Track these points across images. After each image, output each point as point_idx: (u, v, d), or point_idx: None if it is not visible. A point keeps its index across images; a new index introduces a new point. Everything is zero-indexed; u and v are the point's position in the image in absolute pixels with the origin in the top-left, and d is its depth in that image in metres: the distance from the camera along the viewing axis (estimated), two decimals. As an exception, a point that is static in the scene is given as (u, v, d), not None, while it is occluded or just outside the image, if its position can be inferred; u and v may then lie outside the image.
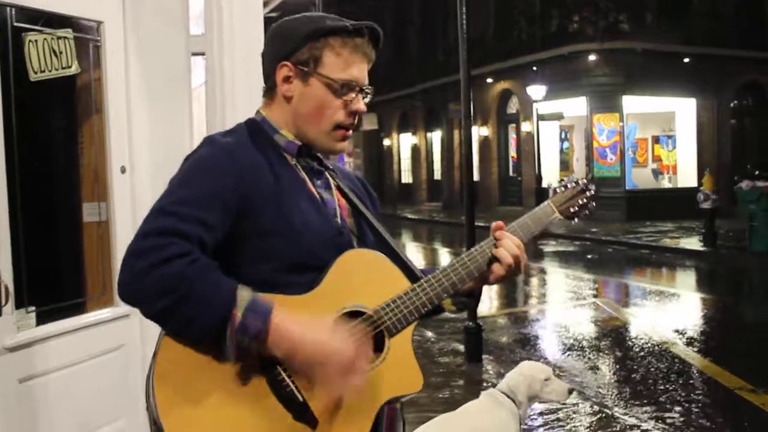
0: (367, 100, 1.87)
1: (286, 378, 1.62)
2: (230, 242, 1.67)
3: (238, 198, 1.66)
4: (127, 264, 1.56)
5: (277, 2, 5.96)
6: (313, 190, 1.83)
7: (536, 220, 1.95)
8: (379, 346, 1.71)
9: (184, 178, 1.69)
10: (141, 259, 1.54)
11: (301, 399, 1.62)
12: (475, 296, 1.96)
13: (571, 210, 2.01)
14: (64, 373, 3.14)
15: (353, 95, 1.81)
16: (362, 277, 1.75)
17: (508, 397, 3.77)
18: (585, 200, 2.03)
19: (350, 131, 1.85)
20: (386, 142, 36.75)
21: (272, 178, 1.73)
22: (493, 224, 1.89)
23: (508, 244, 1.86)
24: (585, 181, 2.06)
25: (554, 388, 3.92)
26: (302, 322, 1.58)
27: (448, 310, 1.92)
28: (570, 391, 3.99)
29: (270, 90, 1.86)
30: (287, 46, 1.80)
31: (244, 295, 1.56)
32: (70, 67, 3.32)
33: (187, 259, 1.54)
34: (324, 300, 1.69)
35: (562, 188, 2.05)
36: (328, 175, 1.92)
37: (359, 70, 1.82)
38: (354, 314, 1.72)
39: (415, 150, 34.52)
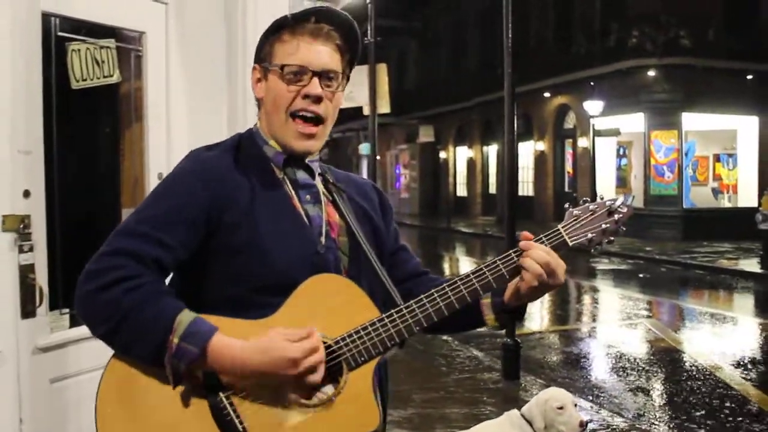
0: (337, 86, 1.77)
1: (228, 406, 1.58)
2: (199, 260, 1.66)
3: (207, 217, 1.64)
4: (79, 284, 1.59)
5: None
6: (298, 206, 1.75)
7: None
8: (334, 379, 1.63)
9: (154, 194, 1.71)
10: (89, 280, 1.57)
11: (240, 428, 1.57)
12: (519, 314, 1.83)
13: (589, 236, 1.74)
14: (95, 375, 3.17)
15: (305, 79, 1.73)
16: (327, 304, 1.65)
17: (527, 420, 3.70)
18: (610, 224, 1.74)
19: (313, 127, 1.75)
20: (442, 154, 36.65)
21: (248, 196, 1.68)
22: (521, 234, 1.73)
23: (536, 252, 1.68)
24: (614, 201, 1.77)
25: (567, 420, 3.72)
26: (244, 342, 1.55)
27: (490, 326, 1.83)
28: (583, 424, 3.77)
29: (256, 99, 1.85)
30: (257, 49, 1.82)
31: (184, 320, 1.54)
32: (111, 76, 3.40)
33: (130, 284, 1.54)
34: (282, 324, 1.60)
35: (580, 211, 1.76)
36: (323, 189, 1.83)
37: (311, 53, 1.73)
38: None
39: (470, 163, 34.37)
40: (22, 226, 2.72)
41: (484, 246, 22.84)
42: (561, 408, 3.73)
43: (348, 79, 1.84)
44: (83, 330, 3.14)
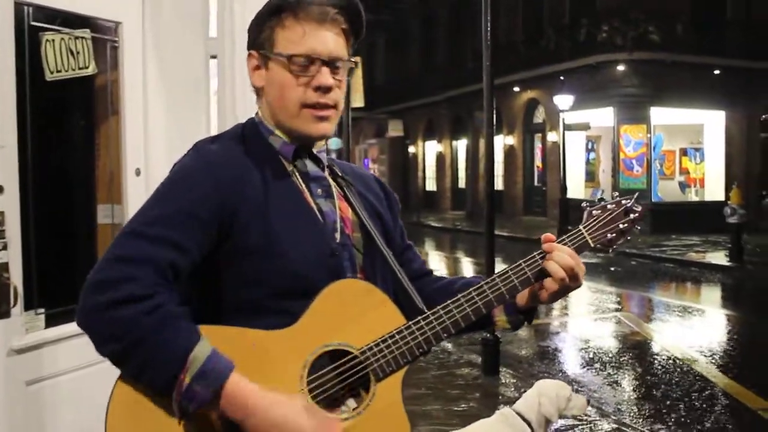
0: (345, 71, 1.67)
1: None
2: (212, 264, 1.54)
3: (219, 216, 1.52)
4: (85, 294, 1.44)
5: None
6: (311, 201, 1.65)
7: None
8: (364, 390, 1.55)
9: (160, 193, 1.56)
10: (99, 292, 1.42)
11: None
12: (530, 315, 1.77)
13: (609, 236, 1.72)
14: (73, 376, 3.10)
15: (314, 69, 1.62)
16: (351, 311, 1.56)
17: (523, 419, 3.67)
18: (627, 224, 1.73)
19: (327, 110, 1.64)
20: (411, 149, 36.70)
21: (261, 192, 1.57)
22: (544, 236, 1.68)
23: (560, 256, 1.63)
24: (629, 200, 1.76)
25: (575, 404, 3.84)
26: (261, 390, 1.45)
27: (501, 328, 1.76)
28: (588, 402, 3.94)
29: (253, 87, 1.72)
30: (251, 35, 1.69)
31: (199, 356, 1.41)
32: (87, 67, 3.29)
33: (144, 305, 1.41)
34: (306, 336, 1.52)
35: (599, 210, 1.74)
36: (332, 182, 1.73)
37: (318, 40, 1.61)
38: (338, 354, 1.55)
39: (440, 158, 34.44)
40: (-5, 223, 2.63)
41: (453, 240, 22.87)
42: (569, 396, 3.81)
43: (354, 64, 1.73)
44: (60, 330, 3.07)
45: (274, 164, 1.65)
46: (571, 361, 8.24)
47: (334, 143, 30.80)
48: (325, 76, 1.62)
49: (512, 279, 1.65)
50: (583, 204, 1.79)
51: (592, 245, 1.71)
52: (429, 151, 35.88)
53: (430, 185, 35.89)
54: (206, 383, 1.41)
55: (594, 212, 1.74)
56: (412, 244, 1.93)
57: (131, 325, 1.41)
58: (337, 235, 1.66)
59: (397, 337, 1.57)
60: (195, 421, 1.46)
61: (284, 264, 1.55)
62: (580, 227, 1.72)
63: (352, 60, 1.69)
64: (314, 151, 1.72)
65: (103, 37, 3.34)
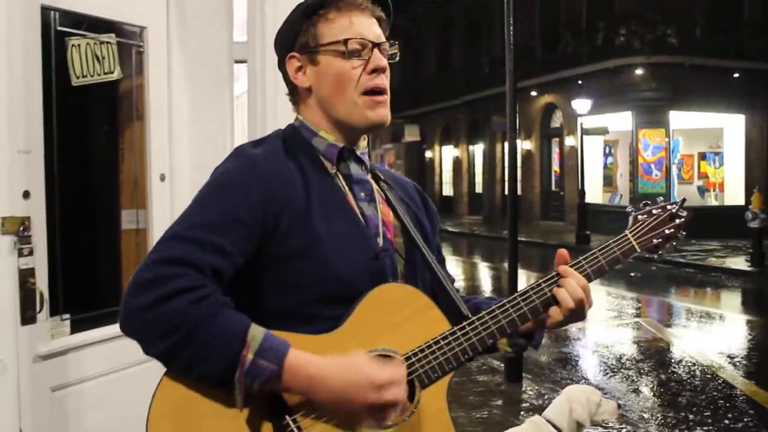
0: (390, 55, 1.69)
1: (296, 430, 1.46)
2: (253, 268, 1.53)
3: (262, 220, 1.51)
4: (129, 296, 1.43)
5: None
6: (354, 204, 1.64)
7: (610, 256, 1.68)
8: (408, 397, 1.52)
9: (203, 197, 1.55)
10: (144, 292, 1.41)
11: None
12: (535, 340, 1.75)
13: (655, 242, 1.71)
14: (98, 383, 3.09)
15: (367, 52, 1.63)
16: (395, 316, 1.54)
17: (554, 426, 3.62)
18: (673, 229, 1.73)
19: (383, 95, 1.66)
20: (428, 153, 36.69)
21: (304, 195, 1.56)
22: (558, 253, 1.67)
23: (572, 286, 1.62)
24: (675, 204, 1.75)
25: (606, 408, 3.78)
26: (322, 358, 1.44)
27: (503, 351, 1.73)
28: (618, 407, 3.89)
29: (293, 92, 1.72)
30: (288, 39, 1.69)
31: (257, 334, 1.41)
32: (112, 72, 3.28)
33: (194, 295, 1.40)
34: (349, 341, 1.50)
35: (644, 215, 1.74)
36: (375, 185, 1.72)
37: (364, 26, 1.65)
38: (382, 359, 1.52)
39: (456, 162, 34.39)
40: (21, 228, 2.63)
41: (470, 246, 22.80)
42: (599, 401, 3.76)
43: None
44: (85, 336, 3.06)
45: (317, 167, 1.64)
46: (593, 368, 8.17)
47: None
48: (379, 58, 1.64)
49: (533, 299, 1.64)
50: (628, 208, 1.78)
51: (638, 250, 1.71)
52: (446, 155, 35.85)
53: (447, 190, 35.85)
54: (270, 357, 1.40)
55: (639, 217, 1.75)
56: (444, 260, 1.91)
57: (183, 316, 1.39)
58: (380, 240, 1.64)
59: (442, 343, 1.55)
60: (250, 412, 1.44)
61: (326, 268, 1.53)
62: (627, 232, 1.72)
63: (395, 43, 1.71)
64: (357, 152, 1.71)
65: (128, 41, 3.33)
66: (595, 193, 23.97)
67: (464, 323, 1.58)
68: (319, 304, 1.54)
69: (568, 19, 25.62)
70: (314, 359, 1.44)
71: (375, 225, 1.66)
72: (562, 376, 7.44)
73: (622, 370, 7.87)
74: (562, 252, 1.68)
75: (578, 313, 1.63)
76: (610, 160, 25.37)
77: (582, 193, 20.97)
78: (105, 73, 3.26)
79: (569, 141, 25.23)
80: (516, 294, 1.64)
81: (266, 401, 1.45)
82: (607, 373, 7.81)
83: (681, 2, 21.80)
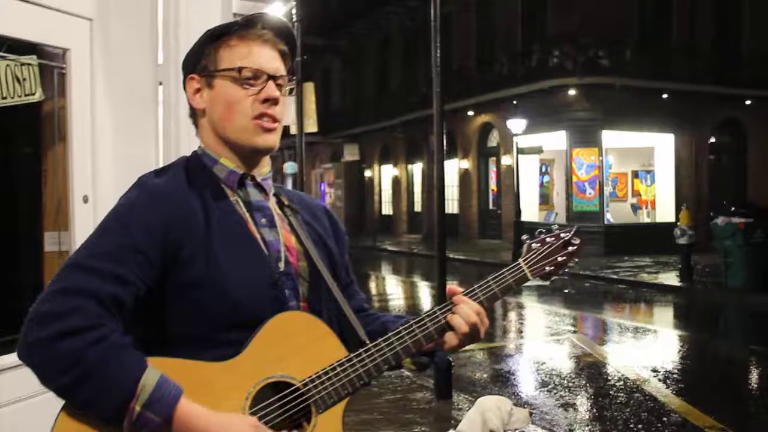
0: (286, 89, 1.74)
1: None
2: (156, 296, 1.55)
3: (163, 249, 1.54)
4: (29, 328, 1.43)
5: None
6: (255, 231, 1.68)
7: (503, 284, 1.75)
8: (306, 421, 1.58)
9: (104, 226, 1.57)
10: (42, 326, 1.42)
11: None
12: (438, 356, 1.81)
13: (547, 269, 1.79)
14: (15, 408, 3.05)
15: (261, 82, 1.69)
16: (294, 344, 1.59)
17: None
18: (565, 257, 1.80)
19: (273, 123, 1.70)
20: (367, 173, 36.78)
21: (204, 223, 1.59)
22: (448, 288, 1.75)
23: (465, 311, 1.69)
24: (568, 233, 1.83)
25: (518, 417, 3.86)
26: (210, 413, 1.48)
27: (407, 369, 1.78)
28: (530, 414, 3.97)
29: (193, 116, 1.77)
30: (191, 62, 1.75)
31: (148, 384, 1.43)
32: (33, 94, 3.27)
33: (92, 336, 1.42)
34: (249, 368, 1.55)
35: (538, 243, 1.82)
36: (278, 210, 1.77)
37: (263, 57, 1.70)
38: (280, 385, 1.58)
39: (396, 181, 34.56)
40: (-61, 251, 2.59)
41: (410, 264, 22.91)
42: (511, 409, 3.83)
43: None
44: (5, 360, 3.02)
45: (218, 194, 1.68)
46: (524, 384, 8.30)
47: (290, 167, 30.68)
48: (272, 89, 1.69)
49: (428, 326, 1.70)
50: (523, 237, 1.86)
51: (531, 278, 1.78)
52: (385, 175, 35.99)
53: (386, 209, 35.98)
54: (157, 410, 1.43)
55: (534, 245, 1.82)
56: (355, 280, 1.96)
57: (79, 357, 1.41)
58: (281, 264, 1.68)
59: (339, 369, 1.61)
60: None
61: (226, 294, 1.57)
62: (520, 261, 1.79)
63: (293, 79, 1.78)
64: (258, 179, 1.75)
65: (50, 63, 3.32)
66: (531, 212, 24.35)
67: (361, 350, 1.64)
68: (222, 329, 1.57)
69: (503, 41, 26.07)
70: (203, 413, 1.47)
71: (276, 250, 1.70)
72: (492, 392, 7.53)
73: (552, 385, 8.01)
74: (452, 288, 1.75)
75: (473, 335, 1.71)
76: (546, 178, 25.80)
77: (518, 212, 21.28)
78: (26, 95, 3.25)
79: (506, 160, 25.60)
80: (412, 321, 1.70)
81: None
82: (537, 389, 7.94)
83: (612, 26, 22.39)
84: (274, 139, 1.72)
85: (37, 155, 3.53)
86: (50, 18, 3.19)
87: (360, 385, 1.62)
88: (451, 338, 1.71)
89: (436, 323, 1.70)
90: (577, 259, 1.81)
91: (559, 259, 1.80)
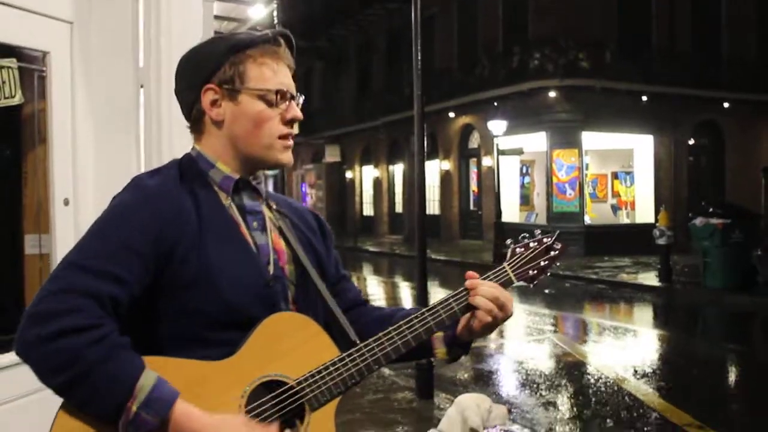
0: (299, 107, 1.77)
1: None
2: (151, 296, 1.58)
3: (157, 249, 1.56)
4: (25, 326, 1.45)
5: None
6: (247, 234, 1.70)
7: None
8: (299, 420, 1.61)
9: (99, 227, 1.59)
10: (41, 324, 1.43)
11: None
12: (468, 347, 1.87)
13: (531, 273, 1.84)
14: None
15: (287, 103, 1.72)
16: (288, 344, 1.62)
17: (450, 437, 3.72)
18: (547, 261, 1.85)
19: (292, 141, 1.75)
20: (348, 174, 36.77)
21: (197, 225, 1.62)
22: (467, 274, 1.77)
23: (484, 289, 1.74)
24: (550, 238, 1.87)
25: (497, 414, 3.88)
26: (205, 414, 1.51)
27: (441, 359, 1.84)
28: (509, 411, 3.99)
29: (197, 122, 1.75)
30: (206, 69, 1.71)
31: (146, 384, 1.46)
32: (13, 97, 3.27)
33: (91, 335, 1.44)
34: (243, 367, 1.58)
35: (522, 248, 1.86)
36: (269, 214, 1.79)
37: (286, 77, 1.73)
38: (274, 384, 1.61)
39: (377, 183, 34.58)
40: None
41: (391, 265, 22.94)
42: (490, 406, 3.86)
43: None
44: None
45: (211, 198, 1.69)
46: (505, 383, 8.36)
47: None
48: (296, 109, 1.74)
49: (440, 314, 1.74)
50: (508, 241, 1.90)
51: (515, 282, 1.82)
52: (366, 176, 36.00)
53: (368, 210, 35.99)
54: (153, 411, 1.45)
55: (518, 250, 1.86)
56: (348, 274, 1.99)
57: (78, 356, 1.43)
58: (271, 268, 1.71)
59: (331, 368, 1.64)
60: None
61: (219, 295, 1.59)
62: (505, 264, 1.83)
63: (301, 95, 1.80)
64: (254, 183, 1.78)
65: (30, 66, 3.32)
66: (512, 212, 24.45)
67: (352, 350, 1.67)
68: (214, 329, 1.60)
69: (485, 43, 26.17)
70: (198, 415, 1.50)
71: (267, 254, 1.72)
72: (474, 391, 7.56)
73: (533, 385, 8.06)
74: (470, 273, 1.79)
75: (502, 309, 1.74)
76: (527, 179, 25.91)
77: (499, 213, 21.36)
78: (6, 98, 3.24)
79: (486, 161, 25.68)
80: (411, 317, 1.73)
81: None
82: (518, 389, 8.00)
83: (592, 28, 22.56)
84: (292, 156, 1.78)
85: (18, 158, 3.53)
86: (30, 21, 3.19)
87: (352, 383, 1.65)
88: (481, 315, 1.73)
89: (449, 311, 1.74)
90: (558, 263, 1.87)
91: (542, 263, 1.85)
